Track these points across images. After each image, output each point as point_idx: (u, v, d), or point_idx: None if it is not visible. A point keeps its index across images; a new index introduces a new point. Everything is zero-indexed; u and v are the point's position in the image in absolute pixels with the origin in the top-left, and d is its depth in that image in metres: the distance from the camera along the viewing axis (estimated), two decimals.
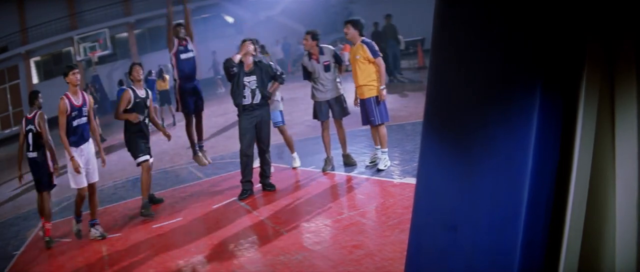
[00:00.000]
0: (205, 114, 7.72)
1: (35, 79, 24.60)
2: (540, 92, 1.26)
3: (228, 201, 6.21)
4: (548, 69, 1.27)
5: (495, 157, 1.38)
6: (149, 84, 22.58)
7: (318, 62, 6.36)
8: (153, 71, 15.49)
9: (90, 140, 5.72)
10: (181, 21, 7.17)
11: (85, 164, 5.59)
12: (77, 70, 5.57)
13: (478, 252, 1.44)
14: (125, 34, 25.89)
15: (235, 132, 7.10)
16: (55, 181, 6.04)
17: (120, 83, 15.65)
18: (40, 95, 5.99)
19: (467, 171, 1.47)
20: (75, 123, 5.49)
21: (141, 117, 6.11)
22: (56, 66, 25.11)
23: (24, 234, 6.47)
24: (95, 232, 5.72)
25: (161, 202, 6.65)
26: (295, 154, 7.13)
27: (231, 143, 7.68)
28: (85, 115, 5.58)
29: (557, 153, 1.29)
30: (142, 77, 6.30)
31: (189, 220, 5.75)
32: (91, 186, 5.71)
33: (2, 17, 23.12)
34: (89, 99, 5.76)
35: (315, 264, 4.08)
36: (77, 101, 5.51)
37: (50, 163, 5.91)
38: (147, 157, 6.13)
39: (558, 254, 1.32)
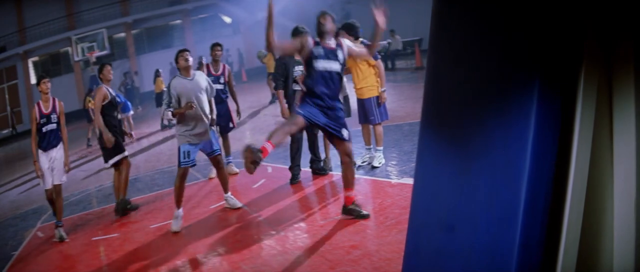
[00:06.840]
0: None
1: (33, 79, 24.57)
2: (538, 91, 1.26)
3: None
4: (546, 68, 1.27)
5: (492, 156, 1.38)
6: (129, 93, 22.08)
7: None
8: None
9: (60, 145, 5.97)
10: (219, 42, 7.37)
11: (50, 166, 5.85)
12: (47, 80, 5.99)
13: (475, 252, 1.45)
14: (122, 34, 25.86)
15: (236, 132, 7.09)
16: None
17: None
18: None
19: (464, 170, 1.47)
20: (44, 130, 5.85)
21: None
22: (54, 66, 25.10)
23: (22, 235, 6.46)
24: (56, 233, 5.86)
25: None
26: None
27: (231, 143, 7.68)
28: (55, 122, 5.90)
29: (555, 152, 1.29)
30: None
31: (186, 220, 5.74)
32: (56, 187, 5.90)
33: (0, 18, 23.09)
34: (59, 106, 6.01)
35: (312, 264, 4.08)
36: (46, 109, 5.88)
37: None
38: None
39: (556, 253, 1.32)
